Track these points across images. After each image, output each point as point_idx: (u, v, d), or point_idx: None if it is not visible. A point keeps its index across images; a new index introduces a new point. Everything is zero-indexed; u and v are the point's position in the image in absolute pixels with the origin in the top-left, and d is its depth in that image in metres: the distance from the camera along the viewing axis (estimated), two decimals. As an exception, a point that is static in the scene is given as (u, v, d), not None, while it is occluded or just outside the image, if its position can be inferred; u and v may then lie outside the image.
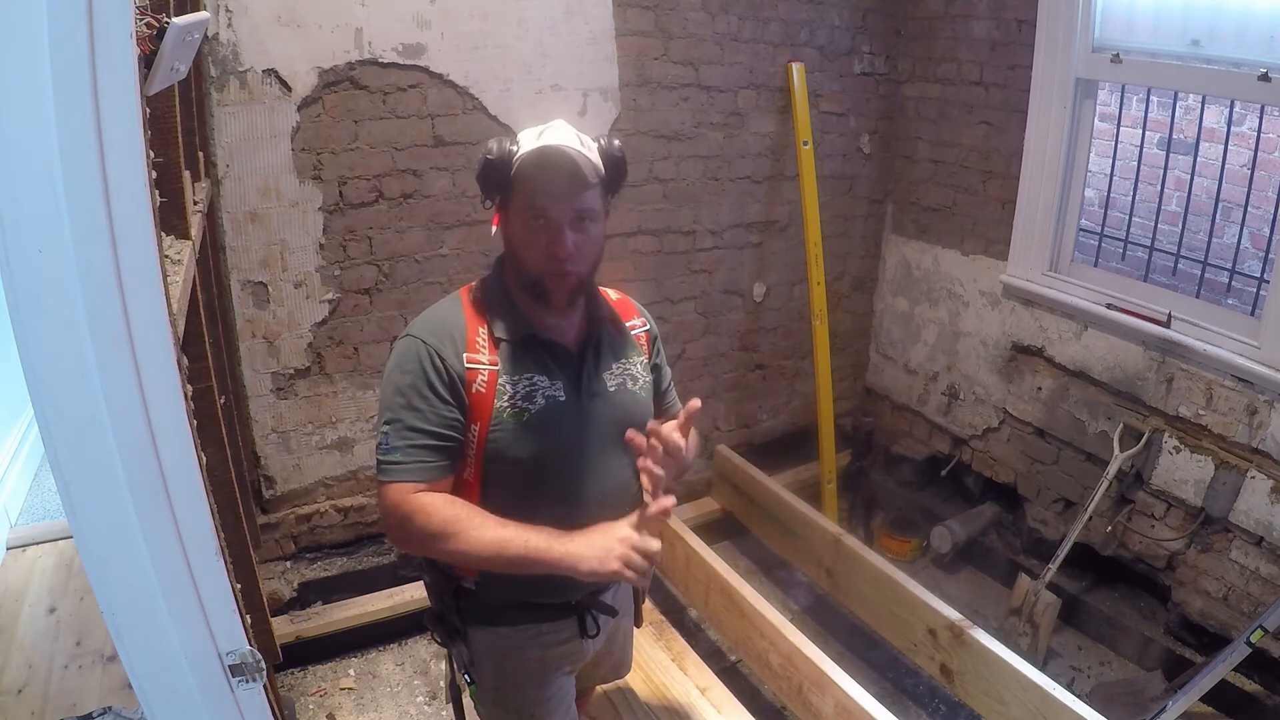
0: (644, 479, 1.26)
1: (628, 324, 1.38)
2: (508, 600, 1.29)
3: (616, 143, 1.23)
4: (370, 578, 2.56)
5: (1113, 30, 2.52)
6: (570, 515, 1.24)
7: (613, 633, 1.48)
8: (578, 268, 1.19)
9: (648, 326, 1.42)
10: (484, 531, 1.13)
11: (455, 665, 1.39)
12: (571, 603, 1.34)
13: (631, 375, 1.33)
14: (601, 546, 1.12)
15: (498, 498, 1.21)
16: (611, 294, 1.41)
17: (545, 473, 1.22)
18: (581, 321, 1.30)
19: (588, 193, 1.18)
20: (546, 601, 1.31)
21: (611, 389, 1.29)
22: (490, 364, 1.19)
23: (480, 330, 1.22)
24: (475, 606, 1.31)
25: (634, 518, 1.16)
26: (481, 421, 1.18)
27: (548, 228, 1.16)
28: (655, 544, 1.13)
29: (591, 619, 1.35)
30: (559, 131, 1.18)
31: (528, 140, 1.18)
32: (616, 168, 1.23)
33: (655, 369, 1.42)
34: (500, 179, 1.19)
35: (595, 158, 1.18)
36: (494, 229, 1.25)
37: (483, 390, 1.18)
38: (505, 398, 1.19)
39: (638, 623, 1.57)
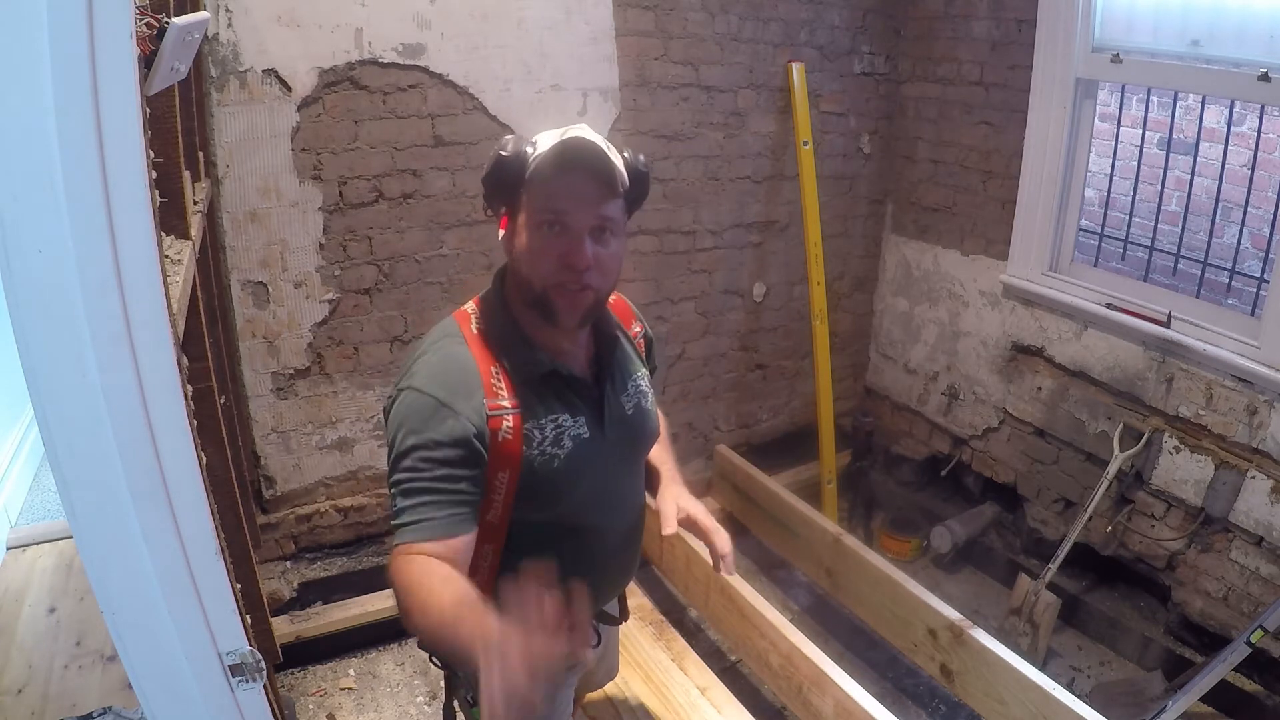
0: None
1: (630, 332, 1.32)
2: None
3: (642, 157, 1.12)
4: (370, 578, 2.56)
5: (1113, 30, 2.52)
6: (593, 547, 1.22)
7: (608, 638, 1.48)
8: (595, 282, 1.06)
9: (644, 332, 1.36)
10: (431, 598, 0.93)
11: (455, 686, 1.34)
12: None
13: (643, 392, 1.26)
14: (499, 652, 0.76)
15: (521, 538, 1.16)
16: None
17: (574, 510, 1.17)
18: (589, 340, 1.20)
19: (614, 201, 1.06)
20: None
21: (630, 412, 1.22)
22: (513, 408, 1.07)
23: (493, 370, 1.08)
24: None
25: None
26: (511, 470, 1.07)
27: (565, 234, 1.03)
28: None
29: (594, 630, 1.33)
30: (584, 131, 1.06)
31: (546, 140, 1.06)
32: (641, 184, 1.12)
33: (651, 372, 1.40)
34: (512, 181, 1.06)
35: (621, 166, 1.06)
36: (500, 233, 1.13)
37: (509, 437, 1.06)
38: (534, 445, 1.08)
39: (625, 616, 1.51)
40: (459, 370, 1.07)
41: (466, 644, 0.83)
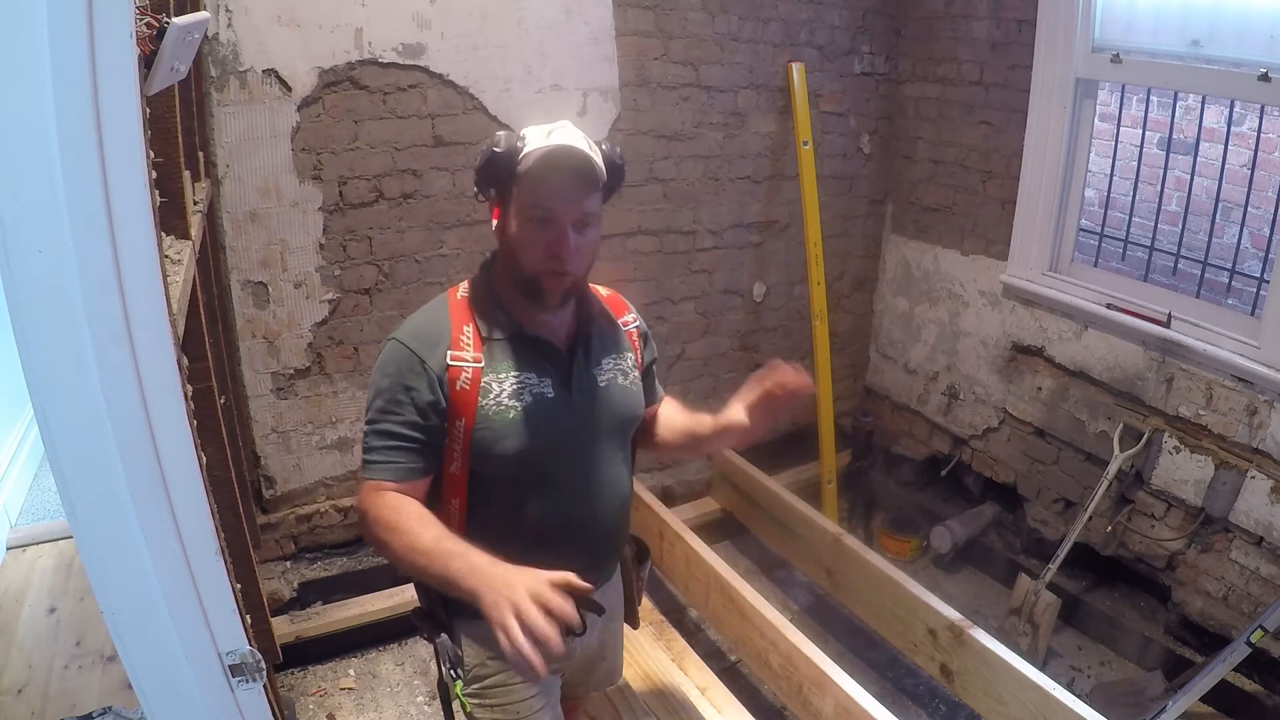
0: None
1: (619, 320, 1.38)
2: None
3: (618, 149, 1.23)
4: (370, 578, 2.56)
5: (1113, 30, 2.52)
6: (558, 511, 1.25)
7: (605, 638, 1.46)
8: (575, 269, 1.20)
9: (638, 323, 1.42)
10: (417, 540, 1.09)
11: (441, 660, 1.36)
12: None
13: (623, 370, 1.33)
14: (503, 583, 0.98)
15: (485, 493, 1.22)
16: (602, 290, 1.40)
17: (532, 469, 1.22)
18: (572, 319, 1.29)
19: (593, 195, 1.18)
20: None
21: (603, 384, 1.29)
22: (474, 361, 1.19)
23: (466, 328, 1.22)
24: (462, 600, 1.29)
25: (561, 577, 1.00)
26: (466, 418, 1.18)
27: (551, 228, 1.16)
28: (567, 609, 0.95)
29: (579, 616, 1.33)
30: (568, 132, 1.17)
31: (535, 138, 1.16)
32: (616, 174, 1.23)
33: (648, 366, 1.43)
34: (504, 174, 1.18)
35: (600, 161, 1.18)
36: (493, 223, 1.25)
37: (466, 387, 1.18)
38: (490, 396, 1.19)
39: (634, 624, 1.55)
40: (432, 324, 1.23)
41: (457, 576, 1.03)
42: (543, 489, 1.24)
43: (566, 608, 0.96)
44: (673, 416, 1.46)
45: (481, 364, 1.20)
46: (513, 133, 1.19)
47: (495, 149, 1.16)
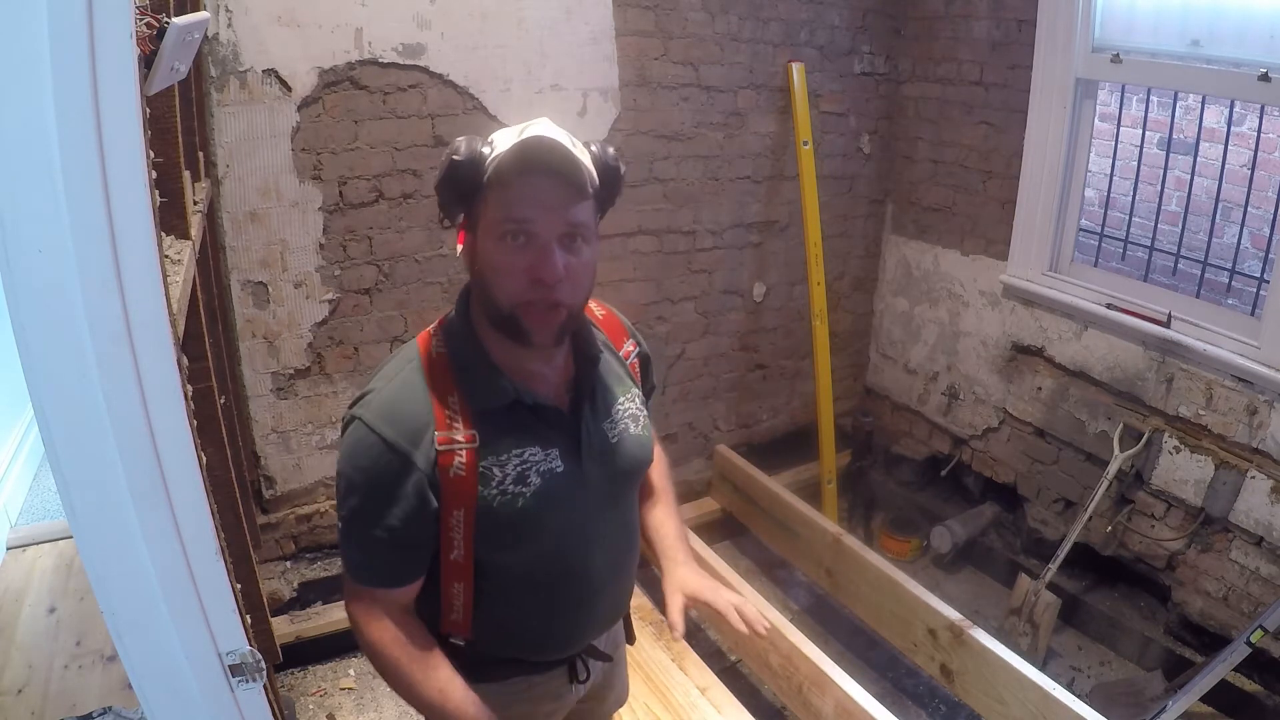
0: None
1: (620, 352, 1.17)
2: (500, 657, 1.14)
3: (612, 150, 1.01)
4: (370, 578, 2.56)
5: (1113, 30, 2.52)
6: (573, 583, 1.12)
7: (611, 670, 1.34)
8: (567, 298, 0.95)
9: (639, 350, 1.21)
10: (420, 688, 1.02)
11: None
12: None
13: (633, 415, 1.13)
14: None
15: (493, 576, 1.06)
16: (597, 310, 1.18)
17: (547, 551, 1.06)
18: (567, 359, 1.07)
19: (582, 204, 0.94)
20: (542, 659, 1.17)
21: (614, 441, 1.09)
22: (466, 441, 0.97)
23: (450, 399, 0.98)
24: (462, 663, 1.13)
25: None
26: (465, 509, 0.98)
27: (531, 245, 0.92)
28: None
29: (582, 664, 1.22)
30: (544, 126, 0.94)
31: (505, 139, 0.94)
32: (612, 180, 1.00)
33: (647, 393, 1.26)
34: (469, 187, 0.94)
35: (589, 164, 0.96)
36: (458, 249, 1.01)
37: (461, 474, 0.97)
38: (492, 484, 0.98)
39: (631, 640, 1.43)
40: (409, 403, 0.98)
41: None
42: (557, 565, 1.08)
43: None
44: (650, 511, 1.27)
45: (475, 444, 0.98)
46: (476, 136, 0.95)
47: (455, 157, 0.93)
